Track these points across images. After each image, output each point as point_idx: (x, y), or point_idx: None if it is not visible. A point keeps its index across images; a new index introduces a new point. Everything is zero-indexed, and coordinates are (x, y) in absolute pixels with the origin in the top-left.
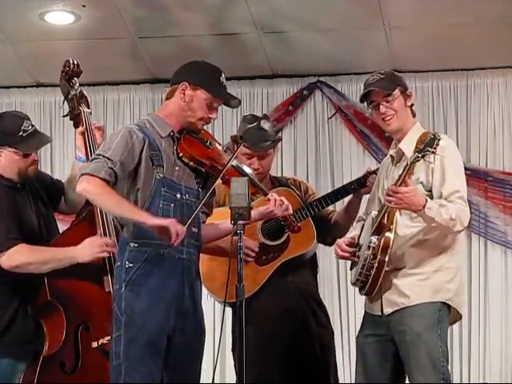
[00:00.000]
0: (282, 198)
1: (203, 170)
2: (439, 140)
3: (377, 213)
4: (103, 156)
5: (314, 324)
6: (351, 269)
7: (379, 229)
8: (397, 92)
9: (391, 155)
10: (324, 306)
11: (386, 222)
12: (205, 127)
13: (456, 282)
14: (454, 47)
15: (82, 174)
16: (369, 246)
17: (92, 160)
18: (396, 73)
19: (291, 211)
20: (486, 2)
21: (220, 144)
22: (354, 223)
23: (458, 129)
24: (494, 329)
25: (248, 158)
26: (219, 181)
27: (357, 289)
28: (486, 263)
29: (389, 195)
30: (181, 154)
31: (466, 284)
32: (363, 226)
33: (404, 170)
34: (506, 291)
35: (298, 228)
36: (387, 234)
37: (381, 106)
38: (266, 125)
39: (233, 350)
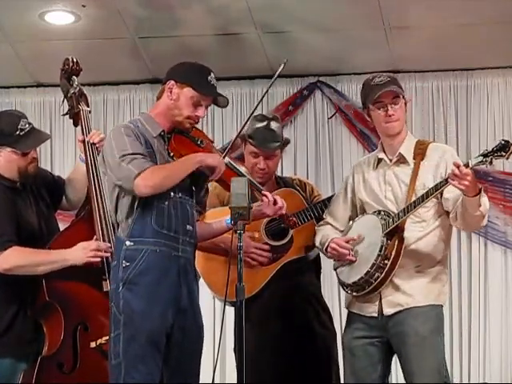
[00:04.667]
0: (276, 197)
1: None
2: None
3: (385, 217)
4: (129, 154)
5: (317, 325)
6: (336, 269)
7: (392, 231)
8: (402, 98)
9: (379, 158)
10: (327, 307)
11: (399, 224)
12: (204, 127)
13: (448, 287)
14: (454, 47)
15: (134, 179)
16: (381, 246)
17: (122, 164)
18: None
19: (284, 211)
20: (486, 2)
21: (213, 142)
22: (317, 227)
23: (458, 129)
24: (494, 329)
25: (254, 156)
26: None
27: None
28: (485, 263)
29: (456, 175)
30: (172, 154)
31: None
32: (350, 228)
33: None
34: (506, 291)
35: (294, 222)
36: (402, 235)
37: (389, 108)
38: (274, 126)
39: (235, 349)
